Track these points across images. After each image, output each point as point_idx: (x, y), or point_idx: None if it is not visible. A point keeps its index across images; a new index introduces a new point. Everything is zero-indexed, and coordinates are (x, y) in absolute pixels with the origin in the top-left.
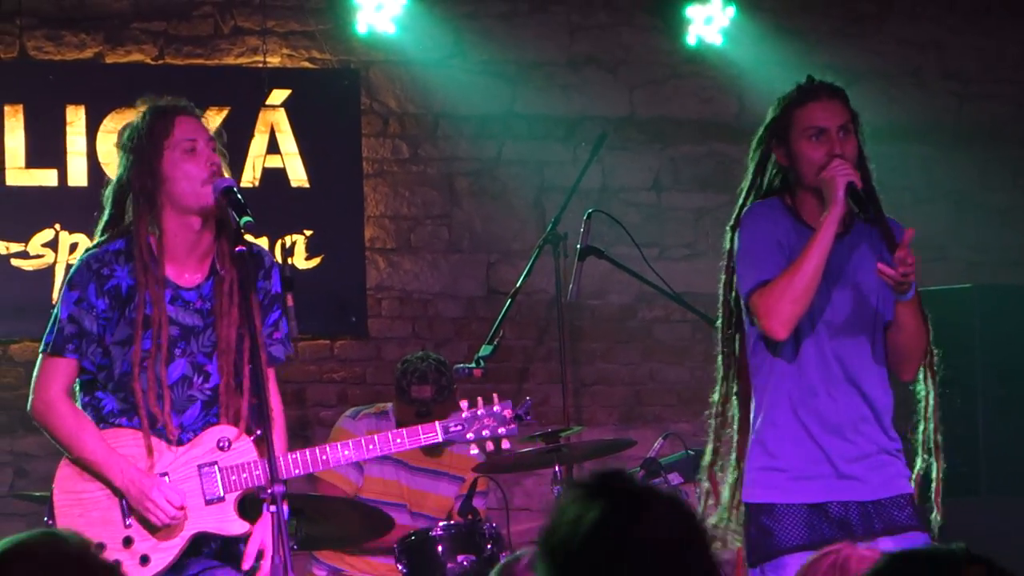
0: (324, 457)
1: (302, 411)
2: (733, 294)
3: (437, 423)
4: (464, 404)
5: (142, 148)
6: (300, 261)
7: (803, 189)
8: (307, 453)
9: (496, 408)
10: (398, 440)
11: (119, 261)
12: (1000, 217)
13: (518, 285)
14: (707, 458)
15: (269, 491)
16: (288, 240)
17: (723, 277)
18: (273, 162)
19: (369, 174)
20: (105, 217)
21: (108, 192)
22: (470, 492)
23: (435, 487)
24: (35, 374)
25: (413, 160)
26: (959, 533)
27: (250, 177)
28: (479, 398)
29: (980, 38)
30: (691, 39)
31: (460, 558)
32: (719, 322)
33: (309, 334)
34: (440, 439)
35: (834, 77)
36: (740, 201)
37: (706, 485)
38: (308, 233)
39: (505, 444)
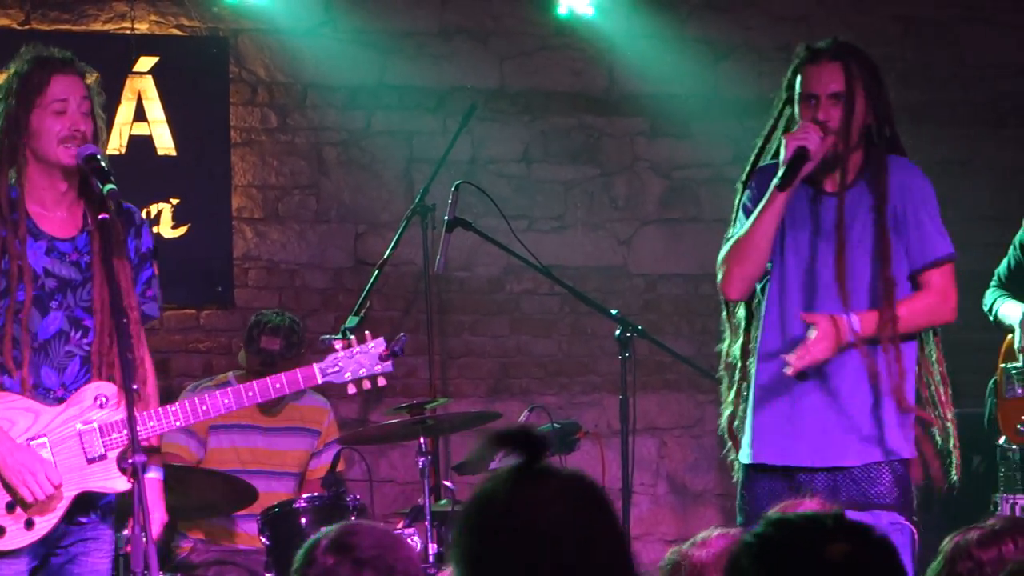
0: (204, 407)
1: (167, 381)
2: None
3: (315, 365)
4: (338, 345)
5: (13, 100)
6: (166, 230)
7: None
8: (187, 404)
9: (371, 346)
10: (277, 385)
11: None
12: None
13: (386, 256)
14: (727, 413)
15: (130, 461)
16: (154, 209)
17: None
18: (140, 130)
19: (237, 143)
20: None
21: None
22: (333, 464)
23: (292, 443)
24: None
25: (281, 129)
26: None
27: (116, 144)
28: (352, 337)
29: (851, 14)
30: (562, 10)
31: (323, 530)
32: None
33: (175, 303)
34: (320, 381)
35: (705, 51)
36: (752, 156)
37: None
38: (175, 202)
39: (381, 381)
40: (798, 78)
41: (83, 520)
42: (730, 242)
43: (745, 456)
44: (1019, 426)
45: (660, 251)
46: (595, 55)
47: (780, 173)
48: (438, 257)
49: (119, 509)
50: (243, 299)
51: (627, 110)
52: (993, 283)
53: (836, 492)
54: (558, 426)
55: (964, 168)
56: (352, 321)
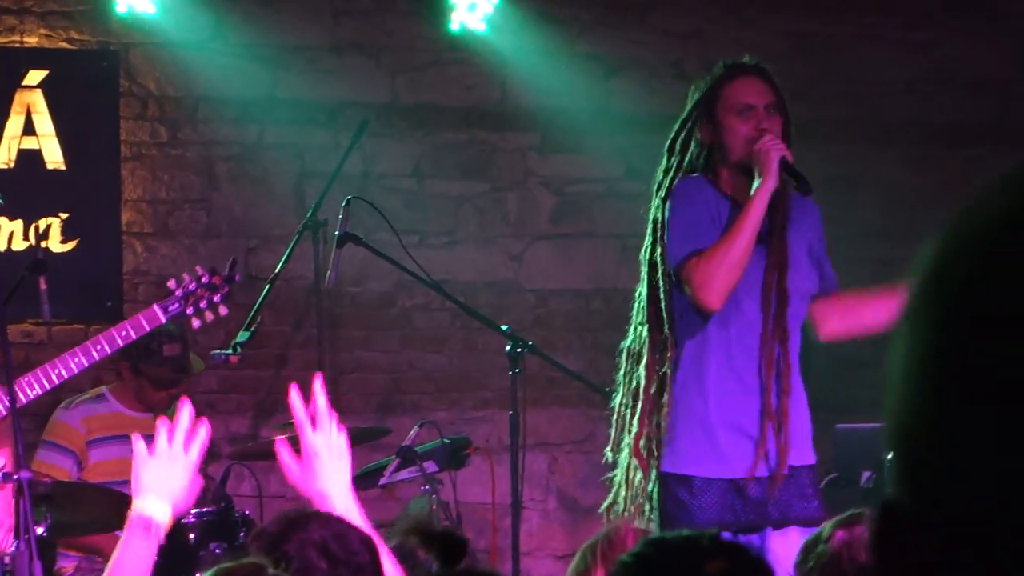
0: (57, 371)
1: (55, 395)
2: (662, 267)
3: (156, 305)
4: (172, 283)
5: None
6: (55, 244)
7: (727, 166)
8: (39, 372)
9: (204, 279)
10: (123, 332)
11: None
12: None
13: (277, 271)
14: (633, 434)
15: (15, 477)
16: (43, 223)
17: (648, 248)
18: (29, 143)
19: (127, 157)
20: None
21: None
22: (223, 479)
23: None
24: None
25: (172, 143)
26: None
27: (5, 158)
28: (184, 274)
29: (741, 30)
30: (454, 25)
31: (212, 545)
32: (642, 292)
33: (63, 319)
34: (163, 320)
35: (597, 67)
36: (662, 178)
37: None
38: (64, 216)
39: (223, 310)
40: (722, 93)
41: None
42: (713, 253)
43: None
44: None
45: (551, 267)
46: (487, 70)
47: (794, 183)
48: (329, 272)
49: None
50: (132, 314)
51: (519, 125)
52: None
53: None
54: (448, 441)
55: (852, 185)
56: (243, 336)
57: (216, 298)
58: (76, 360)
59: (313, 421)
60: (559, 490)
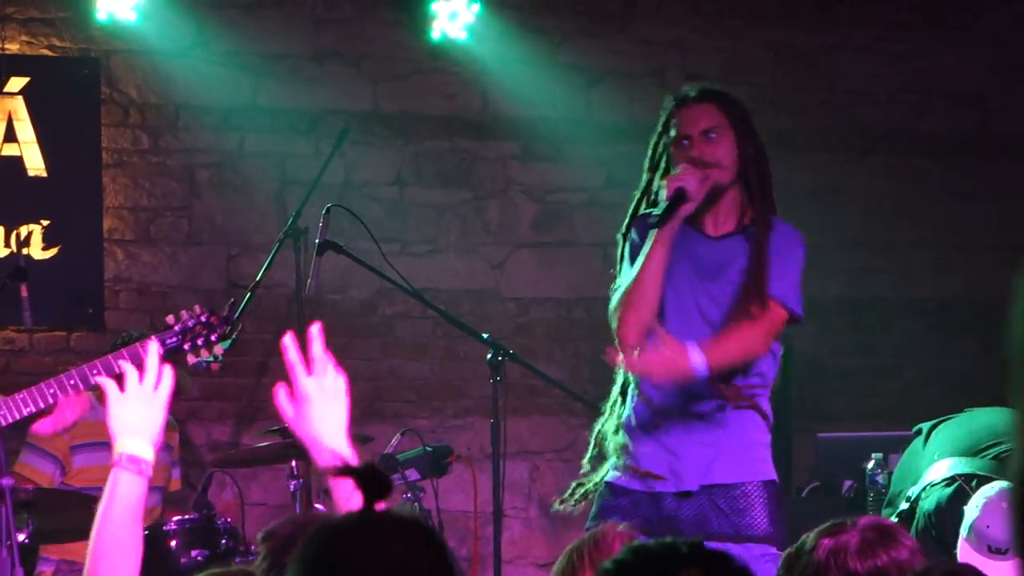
0: (52, 391)
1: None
2: None
3: (153, 337)
4: (171, 319)
5: None
6: (36, 251)
7: None
8: (33, 390)
9: (203, 317)
10: (121, 361)
11: None
12: None
13: (258, 279)
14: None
15: None
16: (24, 230)
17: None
18: (10, 150)
19: (108, 164)
20: None
21: None
22: (205, 486)
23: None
24: None
25: (153, 151)
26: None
27: None
28: (182, 312)
29: (722, 40)
30: (435, 34)
31: (194, 553)
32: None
33: (45, 326)
34: (161, 352)
35: (578, 76)
36: (631, 205)
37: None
38: (45, 223)
39: (218, 350)
40: (671, 125)
41: None
42: (619, 291)
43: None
44: None
45: (532, 275)
46: (468, 79)
47: (658, 213)
48: (310, 280)
49: None
50: (114, 321)
51: (500, 134)
52: None
53: (705, 521)
54: (430, 449)
55: (834, 194)
56: (224, 343)
57: (213, 337)
58: (72, 382)
59: (308, 365)
60: (540, 498)
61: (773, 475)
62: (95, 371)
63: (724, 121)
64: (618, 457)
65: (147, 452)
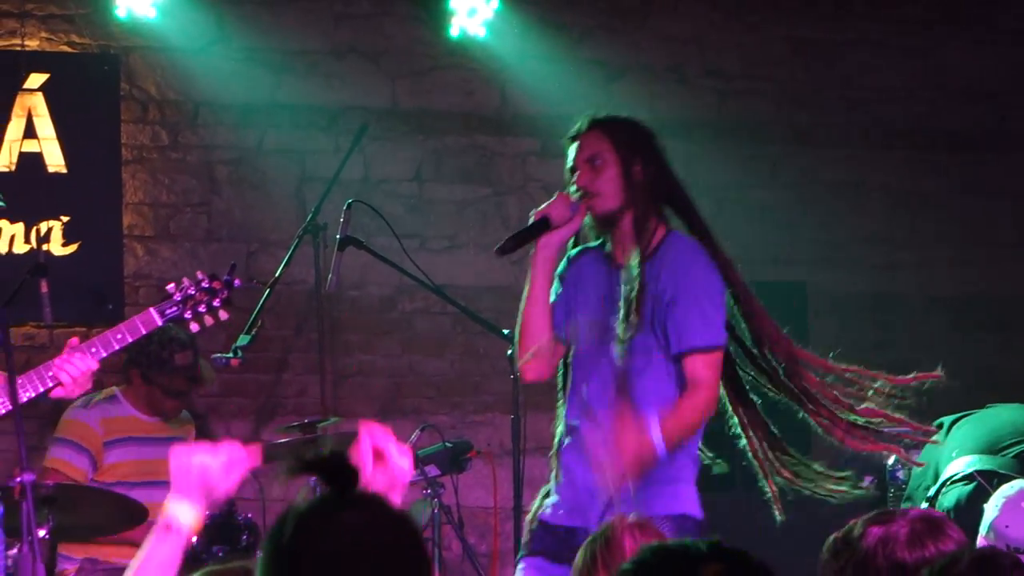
0: (51, 373)
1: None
2: None
3: (152, 309)
4: (171, 287)
5: None
6: (56, 247)
7: None
8: (32, 374)
9: (204, 283)
10: (119, 335)
11: None
12: (760, 214)
13: (277, 275)
14: None
15: (19, 480)
16: (44, 226)
17: None
18: (30, 146)
19: (128, 160)
20: None
21: None
22: None
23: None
24: None
25: (173, 147)
26: (718, 529)
27: (6, 161)
28: (183, 278)
29: (742, 35)
30: (454, 31)
31: (215, 548)
32: None
33: (65, 322)
34: (159, 323)
35: (597, 71)
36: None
37: None
38: (65, 219)
39: (223, 315)
40: (567, 156)
41: None
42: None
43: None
44: None
45: None
46: (487, 75)
47: (509, 237)
48: (330, 276)
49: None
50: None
51: (519, 130)
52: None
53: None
54: (450, 445)
55: (854, 190)
56: (243, 339)
57: (215, 302)
58: (74, 361)
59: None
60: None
61: (692, 511)
62: (93, 348)
63: (609, 148)
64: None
65: (191, 519)
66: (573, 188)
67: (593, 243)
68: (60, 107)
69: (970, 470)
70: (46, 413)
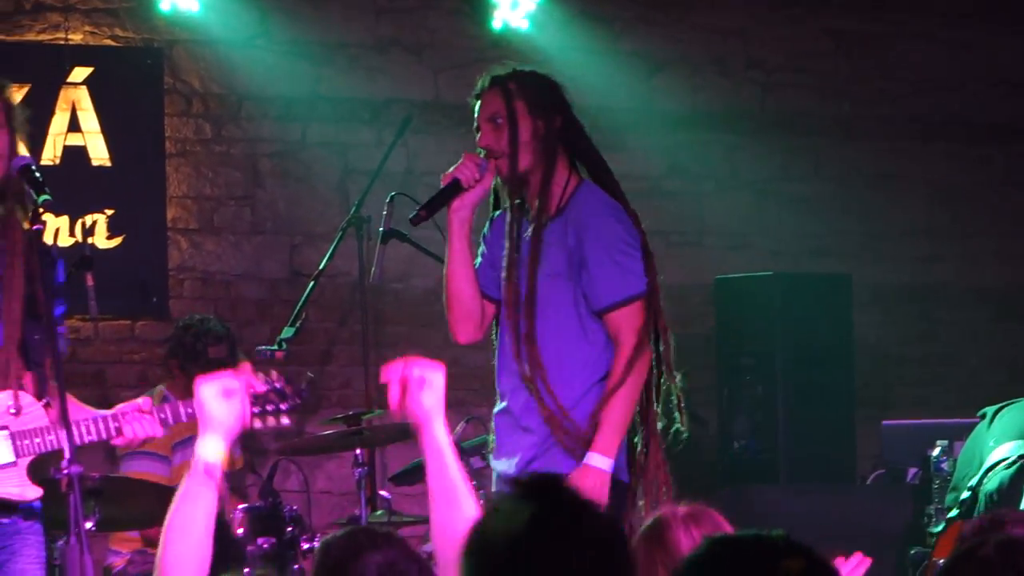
0: (116, 426)
1: (102, 391)
2: None
3: None
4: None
5: None
6: (101, 240)
7: None
8: (99, 419)
9: (277, 384)
10: (189, 410)
11: None
12: (801, 206)
13: (321, 267)
14: None
15: (65, 472)
16: (89, 219)
17: None
18: (74, 140)
19: (172, 154)
20: None
21: None
22: (270, 474)
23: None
24: None
25: (216, 140)
26: (759, 520)
27: (51, 155)
28: (260, 373)
29: (784, 27)
30: (497, 23)
31: (260, 540)
32: None
33: (110, 314)
34: None
35: (639, 64)
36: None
37: None
38: (109, 212)
39: (285, 421)
40: (474, 116)
41: (3, 521)
42: None
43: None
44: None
45: None
46: (530, 68)
47: (423, 204)
48: (373, 268)
49: (54, 520)
50: (178, 310)
51: None
52: None
53: None
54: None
55: (896, 182)
56: (288, 332)
57: (283, 406)
58: (138, 426)
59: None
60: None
61: (621, 474)
62: (163, 415)
63: (509, 106)
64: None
65: (215, 453)
66: (479, 147)
67: (517, 202)
68: (104, 101)
69: (1012, 454)
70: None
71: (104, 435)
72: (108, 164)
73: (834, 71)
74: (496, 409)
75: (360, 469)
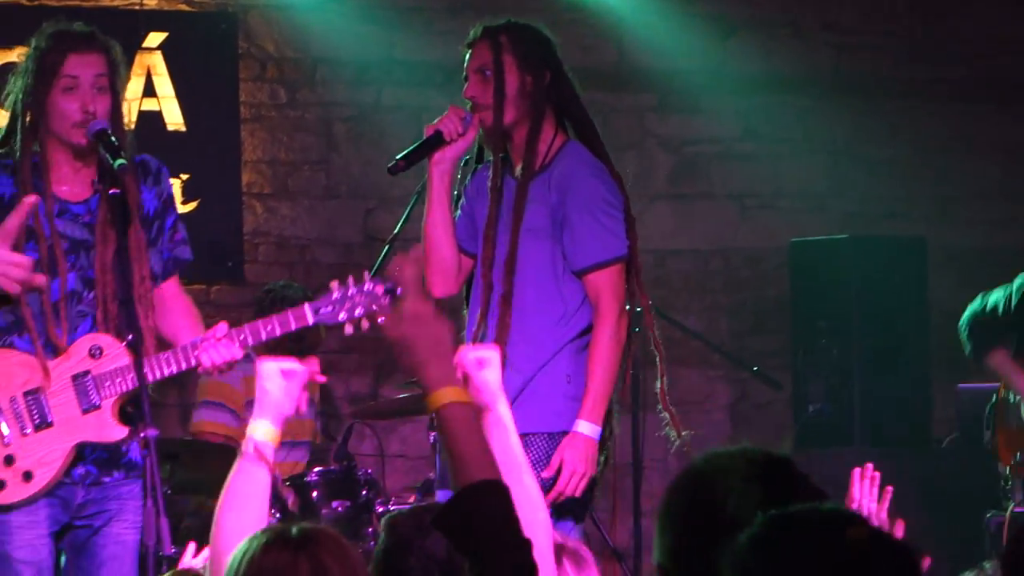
0: (196, 354)
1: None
2: None
3: (306, 305)
4: (334, 284)
5: (31, 79)
6: (176, 205)
7: None
8: (179, 350)
9: (367, 286)
10: (269, 327)
11: (4, 171)
12: (877, 168)
13: (396, 232)
14: None
15: (142, 435)
16: None
17: None
18: (149, 105)
19: (246, 119)
20: (2, 133)
21: (7, 106)
22: (345, 437)
23: (306, 413)
24: None
25: (291, 105)
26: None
27: (126, 120)
28: (349, 276)
29: None
30: None
31: (335, 504)
32: None
33: (185, 279)
34: (310, 322)
35: (714, 27)
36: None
37: None
38: (184, 177)
39: (381, 319)
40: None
41: (105, 480)
42: None
43: None
44: (1019, 454)
45: (669, 227)
46: (604, 31)
47: (402, 155)
48: None
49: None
50: (253, 275)
51: (636, 86)
52: (979, 313)
53: None
54: None
55: (970, 145)
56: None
57: (374, 307)
58: (218, 349)
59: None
60: (679, 450)
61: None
62: (242, 336)
63: (499, 58)
64: None
65: (266, 436)
66: (464, 98)
67: (501, 156)
68: (179, 66)
69: None
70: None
71: (184, 365)
72: (183, 129)
73: (909, 33)
74: None
75: (435, 433)
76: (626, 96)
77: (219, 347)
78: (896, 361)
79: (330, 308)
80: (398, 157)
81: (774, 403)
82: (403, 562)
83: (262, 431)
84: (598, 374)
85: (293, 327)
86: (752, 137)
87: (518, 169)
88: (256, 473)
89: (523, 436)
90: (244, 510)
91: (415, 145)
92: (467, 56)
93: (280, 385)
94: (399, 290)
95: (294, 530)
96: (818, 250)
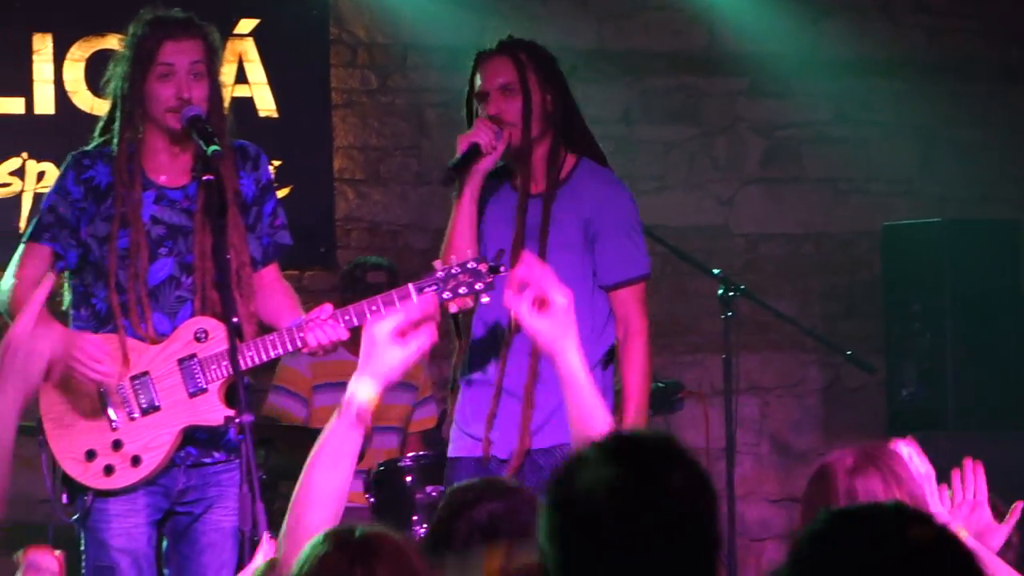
0: (301, 335)
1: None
2: None
3: (411, 284)
4: (437, 264)
5: (128, 67)
6: (275, 191)
7: None
8: (284, 331)
9: (470, 264)
10: (373, 308)
11: (102, 159)
12: (969, 152)
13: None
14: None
15: (238, 420)
16: None
17: None
18: (241, 91)
19: (338, 104)
20: (102, 122)
21: (108, 93)
22: (438, 423)
23: (394, 398)
24: (11, 262)
25: (382, 91)
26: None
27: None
28: (451, 256)
29: None
30: None
31: (429, 489)
32: None
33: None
34: (415, 300)
35: (805, 10)
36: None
37: None
38: (276, 163)
39: (484, 299)
40: (475, 80)
41: (205, 461)
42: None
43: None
44: None
45: (761, 211)
46: (694, 15)
47: (450, 165)
48: None
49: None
50: (346, 260)
51: (727, 70)
52: None
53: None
54: (661, 386)
55: None
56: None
57: (478, 285)
58: (323, 331)
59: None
60: (772, 434)
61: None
62: (347, 316)
63: (525, 72)
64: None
65: (365, 395)
66: (488, 115)
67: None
68: (270, 52)
69: None
70: None
71: (290, 346)
72: (275, 115)
73: (1001, 15)
74: (467, 377)
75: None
76: (717, 80)
77: (325, 327)
78: (989, 344)
79: (434, 286)
80: (449, 167)
81: (867, 387)
82: (452, 526)
83: (364, 391)
84: (638, 385)
85: (397, 306)
86: (843, 121)
87: (538, 187)
88: (351, 435)
89: (560, 447)
90: (333, 469)
91: (461, 156)
92: (480, 71)
93: (391, 347)
94: (503, 269)
95: (357, 533)
96: (910, 234)
